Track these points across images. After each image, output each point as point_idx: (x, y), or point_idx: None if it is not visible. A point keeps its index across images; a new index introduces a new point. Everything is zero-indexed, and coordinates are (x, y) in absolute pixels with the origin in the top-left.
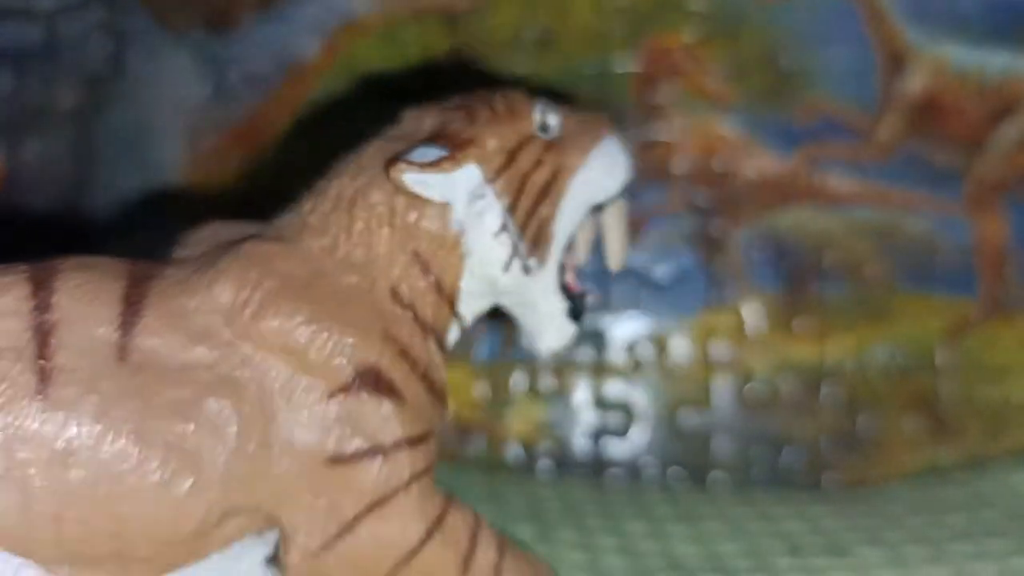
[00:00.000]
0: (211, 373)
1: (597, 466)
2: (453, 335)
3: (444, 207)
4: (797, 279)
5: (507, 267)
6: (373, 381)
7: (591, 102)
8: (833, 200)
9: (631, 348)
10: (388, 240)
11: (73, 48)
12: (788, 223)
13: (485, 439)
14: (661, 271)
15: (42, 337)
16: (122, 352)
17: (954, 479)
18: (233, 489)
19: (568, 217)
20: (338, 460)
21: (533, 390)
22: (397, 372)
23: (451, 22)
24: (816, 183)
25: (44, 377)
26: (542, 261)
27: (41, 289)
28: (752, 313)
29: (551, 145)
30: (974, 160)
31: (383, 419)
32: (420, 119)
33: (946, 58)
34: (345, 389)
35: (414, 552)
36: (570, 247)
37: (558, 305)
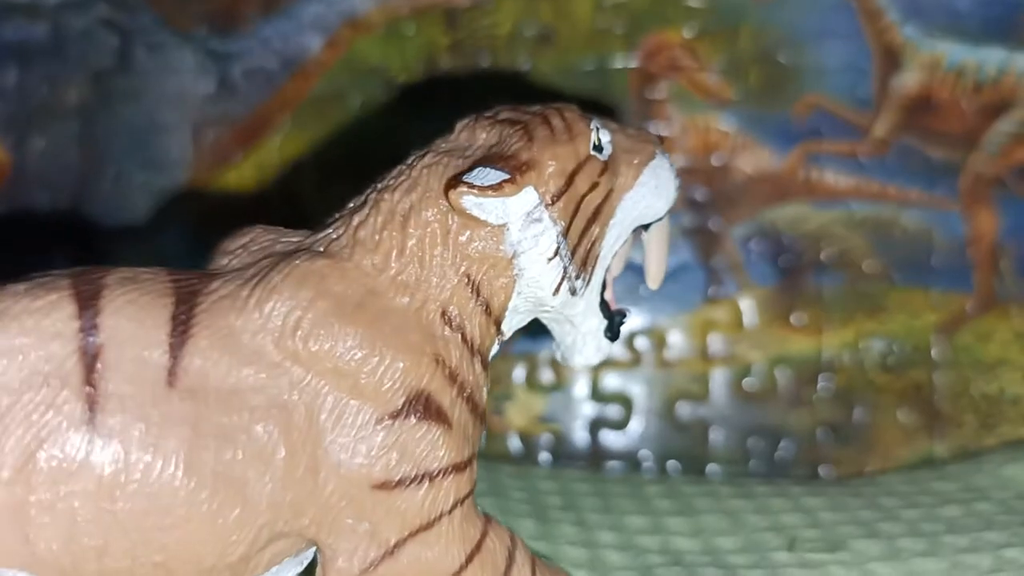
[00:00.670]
0: (260, 396)
1: (596, 458)
2: (494, 351)
3: (498, 229)
4: (794, 273)
5: (557, 290)
6: (423, 406)
7: (590, 98)
8: (829, 195)
9: (630, 341)
10: (441, 260)
11: (79, 44)
12: (785, 218)
13: (485, 431)
14: None
15: (89, 361)
16: (171, 377)
17: (949, 471)
18: (280, 515)
19: (615, 237)
20: (385, 486)
21: (532, 383)
22: (446, 397)
23: (452, 19)
24: (813, 178)
25: (91, 404)
26: (587, 282)
27: (86, 308)
28: (749, 307)
29: (605, 166)
30: (969, 156)
31: (431, 445)
32: (473, 132)
33: (941, 55)
34: (395, 415)
35: None
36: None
37: (598, 323)
